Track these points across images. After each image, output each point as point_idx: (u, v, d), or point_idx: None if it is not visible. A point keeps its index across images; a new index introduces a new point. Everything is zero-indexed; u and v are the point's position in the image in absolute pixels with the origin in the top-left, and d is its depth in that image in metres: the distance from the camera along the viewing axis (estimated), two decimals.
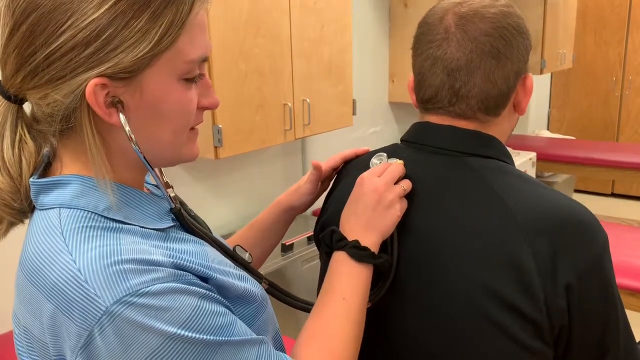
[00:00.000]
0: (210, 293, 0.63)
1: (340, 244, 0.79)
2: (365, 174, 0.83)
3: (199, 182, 2.42)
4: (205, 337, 0.59)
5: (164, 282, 0.58)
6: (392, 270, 0.81)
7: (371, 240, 0.79)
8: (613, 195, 5.28)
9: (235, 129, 2.07)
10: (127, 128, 0.62)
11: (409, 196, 0.84)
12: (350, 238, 0.79)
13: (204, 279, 0.65)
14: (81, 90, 0.59)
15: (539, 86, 5.30)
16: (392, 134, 3.45)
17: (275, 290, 0.84)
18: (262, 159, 2.71)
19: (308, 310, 0.85)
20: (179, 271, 0.61)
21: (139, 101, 0.62)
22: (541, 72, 4.21)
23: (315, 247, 1.03)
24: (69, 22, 0.58)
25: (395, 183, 0.83)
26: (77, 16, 0.58)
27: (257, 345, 0.65)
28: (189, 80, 0.65)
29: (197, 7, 0.63)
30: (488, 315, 0.76)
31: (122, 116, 0.61)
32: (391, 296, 0.83)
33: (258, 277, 0.80)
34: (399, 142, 0.94)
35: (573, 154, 4.13)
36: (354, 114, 2.66)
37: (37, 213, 0.65)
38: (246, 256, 0.83)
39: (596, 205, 4.95)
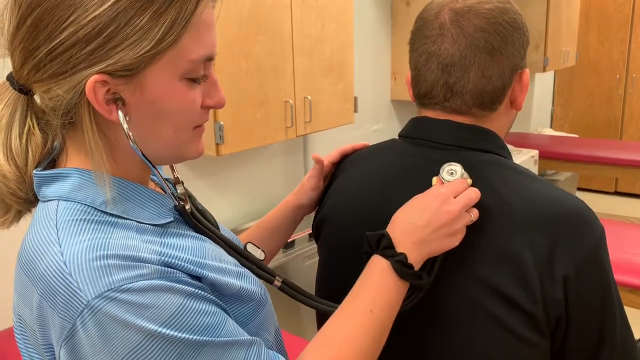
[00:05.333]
0: (199, 291, 0.62)
1: (386, 252, 0.74)
2: (443, 189, 0.77)
3: (200, 179, 2.43)
4: (188, 336, 0.59)
5: (148, 279, 0.58)
6: (425, 290, 0.77)
7: (418, 258, 0.74)
8: (616, 193, 5.27)
9: (237, 126, 2.08)
10: (125, 125, 0.62)
11: (406, 191, 0.84)
12: (398, 248, 0.74)
13: (197, 277, 0.64)
14: (82, 86, 0.59)
15: (542, 84, 5.29)
16: (394, 132, 3.44)
17: (289, 288, 0.81)
18: (263, 156, 2.71)
19: (321, 310, 0.83)
20: (166, 268, 0.61)
21: (139, 99, 0.62)
22: (544, 70, 4.20)
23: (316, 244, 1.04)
24: (72, 18, 0.58)
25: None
26: (80, 12, 0.58)
27: (247, 347, 0.64)
28: (193, 79, 0.64)
29: (202, 6, 0.62)
30: (486, 309, 0.77)
31: (120, 113, 0.62)
32: None
33: (270, 275, 0.79)
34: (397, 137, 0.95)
35: (576, 151, 4.12)
36: (355, 111, 2.66)
37: (39, 204, 0.66)
38: (258, 253, 0.81)
39: (599, 204, 4.94)
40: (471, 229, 0.78)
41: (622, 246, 2.47)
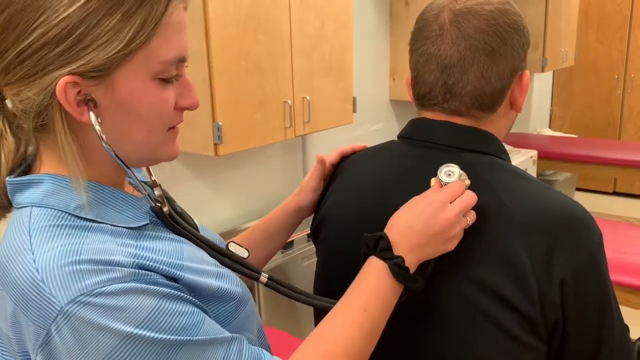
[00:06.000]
0: (175, 292, 0.62)
1: (384, 254, 0.75)
2: (439, 195, 0.76)
3: (198, 179, 2.43)
4: (165, 336, 0.59)
5: (121, 282, 0.58)
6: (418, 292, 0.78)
7: (414, 262, 0.75)
8: (615, 193, 5.27)
9: (236, 126, 2.07)
10: (97, 127, 0.62)
11: (405, 192, 0.84)
12: (396, 250, 0.75)
13: (173, 278, 0.64)
14: (52, 88, 0.59)
15: (541, 84, 5.29)
16: (393, 132, 3.43)
17: (277, 284, 0.82)
18: (262, 156, 2.71)
19: (310, 304, 0.84)
20: (140, 271, 0.61)
21: (111, 100, 0.62)
22: (543, 70, 4.19)
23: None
24: (41, 20, 0.58)
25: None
26: (49, 14, 0.58)
27: (227, 344, 0.64)
28: (165, 80, 0.64)
29: (172, 7, 0.63)
30: (483, 310, 0.77)
31: (92, 115, 0.61)
32: None
33: (255, 272, 0.79)
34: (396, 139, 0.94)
35: (575, 152, 4.13)
36: (354, 111, 2.66)
37: (13, 211, 0.66)
38: (241, 252, 0.82)
39: (598, 204, 4.94)
40: (470, 230, 0.78)
41: (621, 246, 2.47)
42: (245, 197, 2.66)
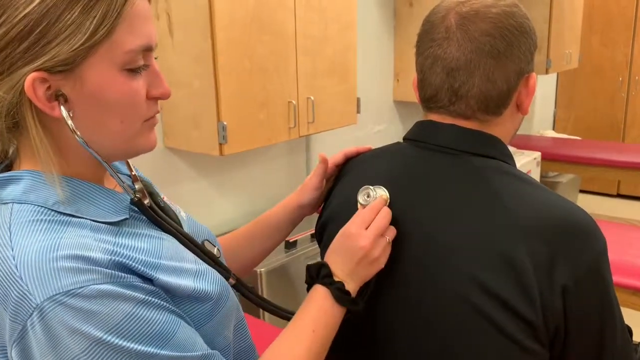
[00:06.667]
0: (151, 298, 0.62)
1: (326, 280, 0.81)
2: (353, 228, 0.82)
3: (203, 179, 2.43)
4: (134, 346, 0.59)
5: (98, 284, 0.59)
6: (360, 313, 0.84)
7: (353, 287, 0.81)
8: (619, 196, 5.26)
9: (240, 126, 2.08)
10: (69, 122, 0.63)
11: (409, 194, 0.84)
12: (336, 278, 0.82)
13: (148, 279, 0.65)
14: (20, 85, 0.60)
15: (545, 86, 5.28)
16: (397, 133, 3.45)
17: (243, 288, 0.85)
18: (266, 156, 2.72)
19: (271, 312, 0.90)
20: (117, 272, 0.61)
21: (80, 93, 0.63)
22: (547, 72, 4.19)
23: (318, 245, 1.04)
24: (2, 19, 0.59)
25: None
26: (10, 12, 0.59)
27: None
28: (133, 70, 0.65)
29: None
30: (484, 314, 0.77)
31: (63, 109, 0.62)
32: (384, 290, 0.84)
33: (226, 272, 0.81)
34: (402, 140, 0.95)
35: (578, 154, 4.12)
36: (358, 112, 2.66)
37: None
38: (214, 250, 0.84)
39: (602, 206, 4.93)
40: (472, 234, 0.78)
41: (624, 248, 2.47)
42: (249, 197, 2.67)
